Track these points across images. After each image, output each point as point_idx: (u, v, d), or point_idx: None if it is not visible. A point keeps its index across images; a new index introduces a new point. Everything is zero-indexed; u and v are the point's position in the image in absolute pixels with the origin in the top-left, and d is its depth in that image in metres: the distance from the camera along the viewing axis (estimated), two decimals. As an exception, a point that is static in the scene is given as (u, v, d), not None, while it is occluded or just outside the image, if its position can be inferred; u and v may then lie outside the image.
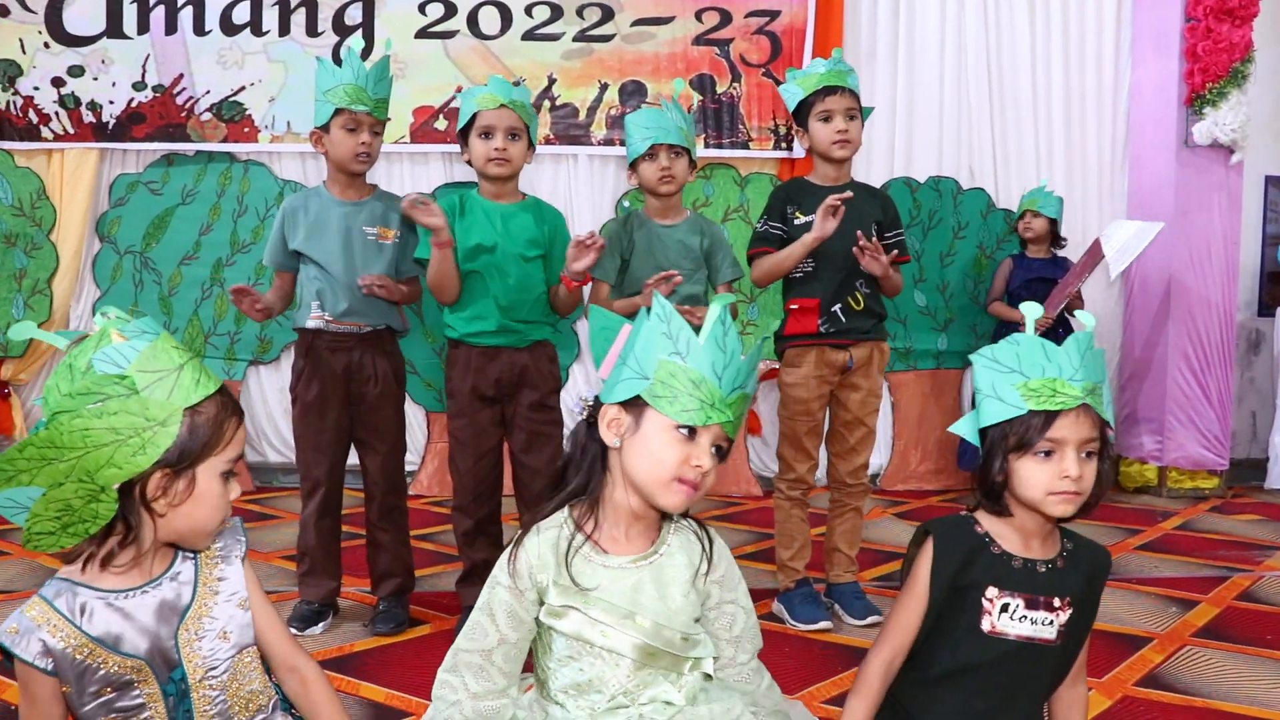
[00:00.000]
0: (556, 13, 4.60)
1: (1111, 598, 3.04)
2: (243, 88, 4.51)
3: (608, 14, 4.61)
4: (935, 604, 1.55)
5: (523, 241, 2.66)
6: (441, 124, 4.59)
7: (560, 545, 1.46)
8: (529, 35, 4.59)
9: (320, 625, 2.70)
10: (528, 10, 4.59)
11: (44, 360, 4.52)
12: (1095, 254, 4.36)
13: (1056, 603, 1.53)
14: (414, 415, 4.56)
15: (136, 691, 1.29)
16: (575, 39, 4.59)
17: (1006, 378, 1.52)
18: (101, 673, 1.26)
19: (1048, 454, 1.48)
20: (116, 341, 1.21)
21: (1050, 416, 1.47)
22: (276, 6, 4.51)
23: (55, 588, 1.27)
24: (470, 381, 2.65)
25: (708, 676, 1.53)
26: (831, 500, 2.92)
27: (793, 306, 2.81)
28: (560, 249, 2.69)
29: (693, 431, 1.40)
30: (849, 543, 2.89)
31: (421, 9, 4.56)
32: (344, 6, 4.53)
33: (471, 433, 2.67)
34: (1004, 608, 1.53)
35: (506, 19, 4.59)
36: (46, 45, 4.41)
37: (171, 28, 4.47)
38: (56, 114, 4.45)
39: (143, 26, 4.46)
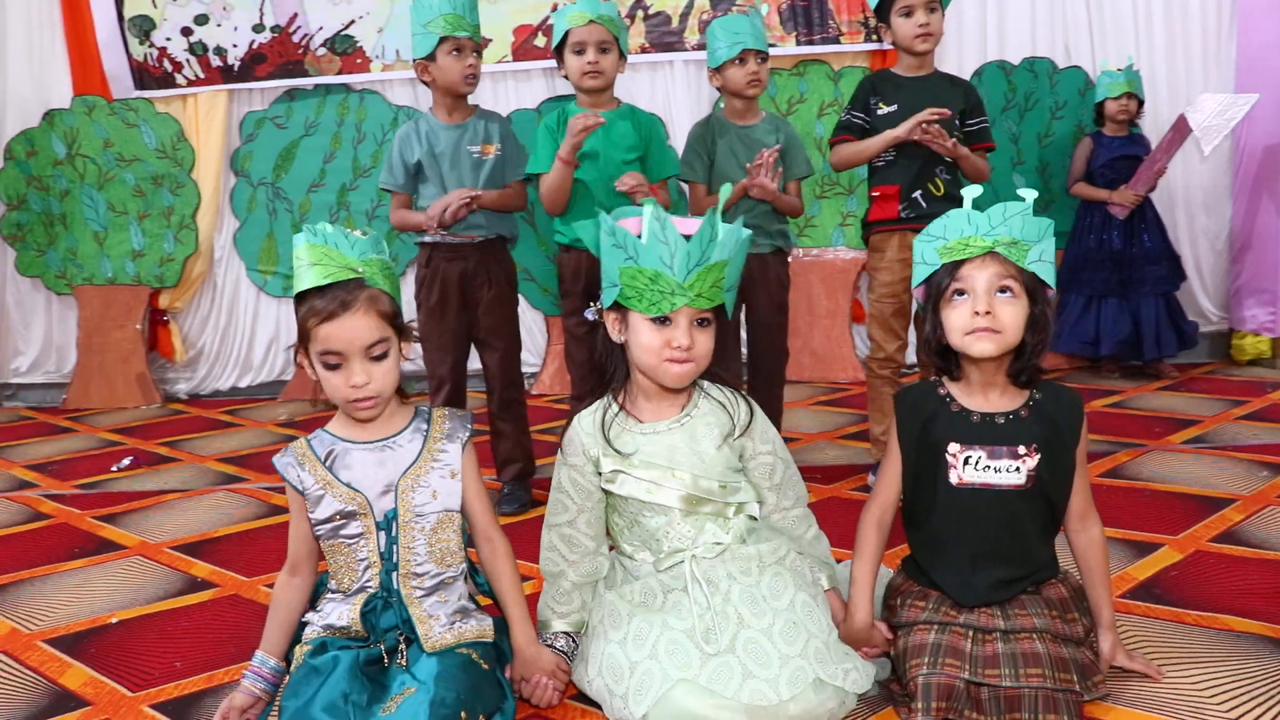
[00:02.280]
0: (643, -78, 4.70)
1: (1199, 464, 3.13)
2: (352, 21, 4.78)
3: (693, -81, 4.68)
4: (908, 462, 1.75)
5: (623, 147, 2.84)
6: (540, 41, 4.78)
7: (601, 419, 1.76)
8: (618, -53, 4.72)
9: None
10: (615, -78, 4.70)
11: (194, 289, 4.96)
12: (1182, 129, 4.31)
13: (1021, 450, 1.69)
14: (534, 320, 4.86)
15: (358, 522, 1.65)
16: (664, -53, 4.69)
17: (931, 244, 1.69)
18: (334, 504, 1.64)
19: (960, 294, 1.63)
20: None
21: (959, 263, 1.63)
22: (378, -60, 4.74)
23: (315, 434, 1.68)
24: (583, 282, 2.87)
25: (753, 519, 1.79)
26: (920, 378, 3.08)
27: (875, 194, 2.95)
28: (656, 150, 2.88)
29: (664, 319, 1.65)
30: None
31: (513, -71, 4.73)
32: (440, -66, 4.72)
33: (587, 328, 2.91)
34: (966, 460, 1.70)
35: (595, -67, 4.71)
36: (166, -4, 4.76)
37: (282, -30, 4.76)
38: (188, 61, 4.81)
39: (256, -28, 4.76)
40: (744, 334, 3.13)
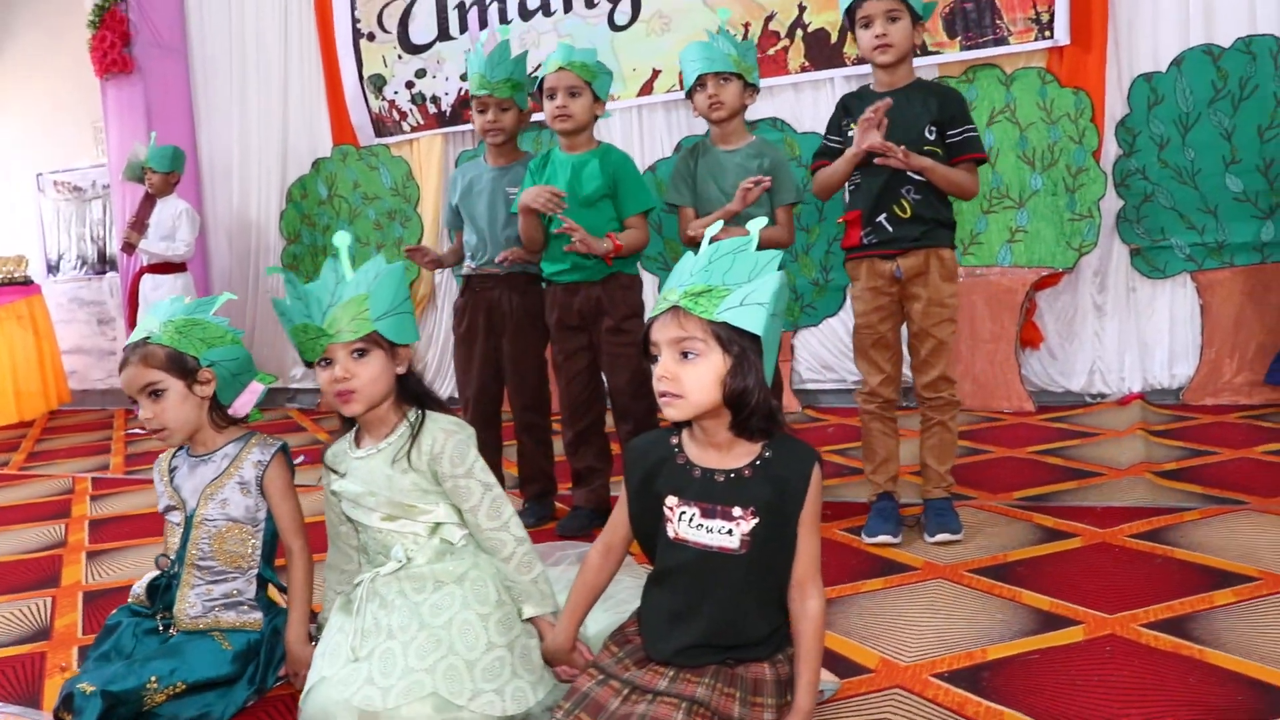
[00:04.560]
0: (801, -60, 4.65)
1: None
2: (539, 65, 5.17)
3: (849, -70, 4.55)
4: (633, 509, 1.73)
5: (589, 188, 2.96)
6: (704, 68, 4.88)
7: (337, 443, 1.96)
8: (776, -32, 4.71)
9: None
10: (774, -56, 4.70)
11: (420, 310, 5.65)
12: None
13: (736, 512, 1.60)
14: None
15: (176, 514, 2.07)
16: (820, -38, 4.61)
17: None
18: (165, 498, 2.09)
19: (655, 358, 1.59)
20: None
21: (654, 320, 1.59)
22: (560, -13, 5.13)
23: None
24: (556, 314, 3.04)
25: (449, 542, 1.90)
26: (920, 416, 2.86)
27: (840, 221, 2.81)
28: (626, 186, 2.98)
29: (327, 361, 1.82)
30: (937, 458, 2.81)
31: (680, -38, 4.89)
32: (613, -25, 5.02)
33: (563, 357, 3.07)
34: (682, 515, 1.64)
35: (755, -44, 4.75)
36: (400, 57, 5.47)
37: (483, 23, 5.29)
38: (411, 110, 5.50)
39: (463, 27, 5.34)
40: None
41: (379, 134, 5.63)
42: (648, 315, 1.63)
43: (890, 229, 2.70)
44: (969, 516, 2.90)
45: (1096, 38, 4.24)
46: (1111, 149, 4.32)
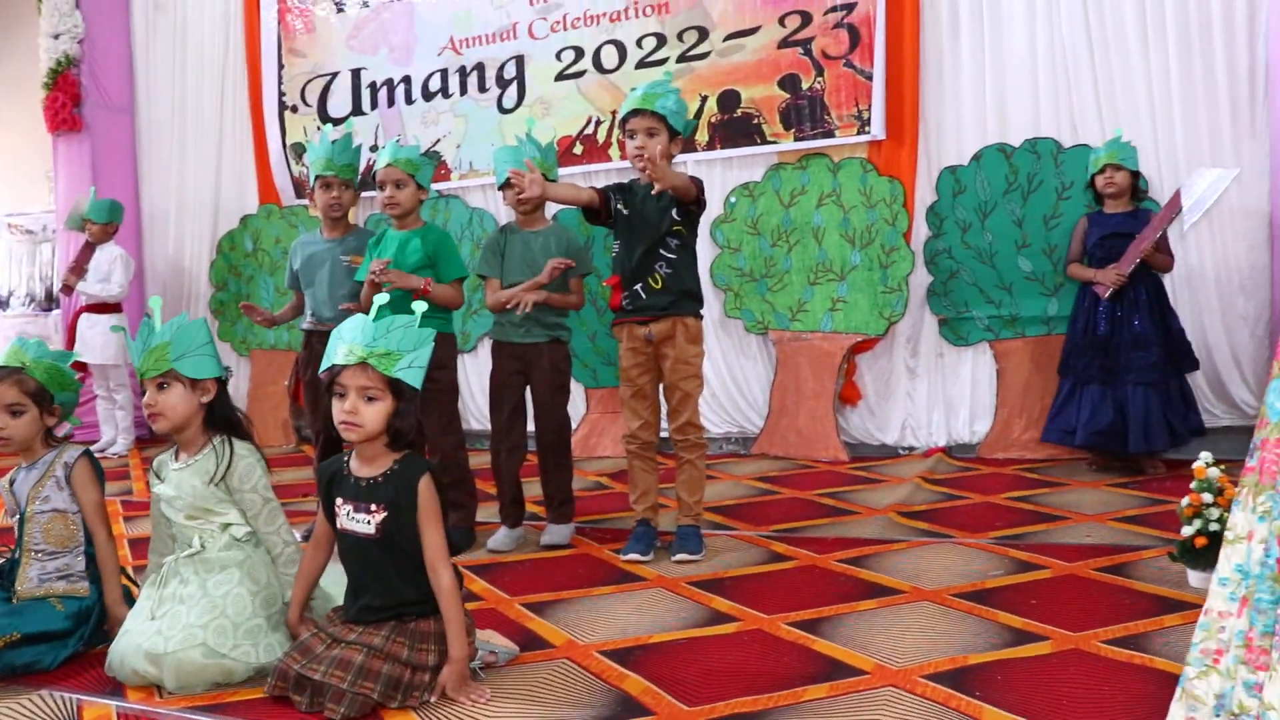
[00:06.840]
0: (661, 40, 5.28)
1: (964, 557, 3.14)
2: (439, 139, 5.80)
3: (703, 34, 5.18)
4: (325, 510, 2.32)
5: (412, 259, 3.50)
6: (578, 149, 5.49)
7: (163, 454, 2.51)
8: (641, 64, 5.32)
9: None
10: (638, 42, 5.32)
11: (330, 355, 6.19)
12: (1174, 205, 4.13)
13: (373, 507, 2.22)
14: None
15: (15, 515, 2.59)
16: (679, 60, 5.22)
17: (335, 342, 2.20)
18: (10, 501, 2.60)
19: (341, 395, 2.14)
20: None
21: (340, 368, 2.14)
22: (457, 74, 5.75)
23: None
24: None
25: (237, 540, 2.43)
26: (675, 456, 3.38)
27: (605, 284, 3.37)
28: (442, 259, 3.52)
29: (143, 391, 2.40)
30: (687, 491, 3.34)
31: (558, 56, 5.51)
32: (502, 65, 5.63)
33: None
34: (344, 510, 2.25)
35: (622, 53, 5.37)
36: (318, 127, 6.07)
37: (390, 102, 5.92)
38: (326, 175, 6.09)
39: (373, 104, 5.97)
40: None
41: (298, 195, 6.21)
42: (330, 362, 2.19)
43: (644, 297, 3.26)
44: (721, 543, 3.43)
45: (908, 133, 4.85)
46: (923, 231, 4.91)
